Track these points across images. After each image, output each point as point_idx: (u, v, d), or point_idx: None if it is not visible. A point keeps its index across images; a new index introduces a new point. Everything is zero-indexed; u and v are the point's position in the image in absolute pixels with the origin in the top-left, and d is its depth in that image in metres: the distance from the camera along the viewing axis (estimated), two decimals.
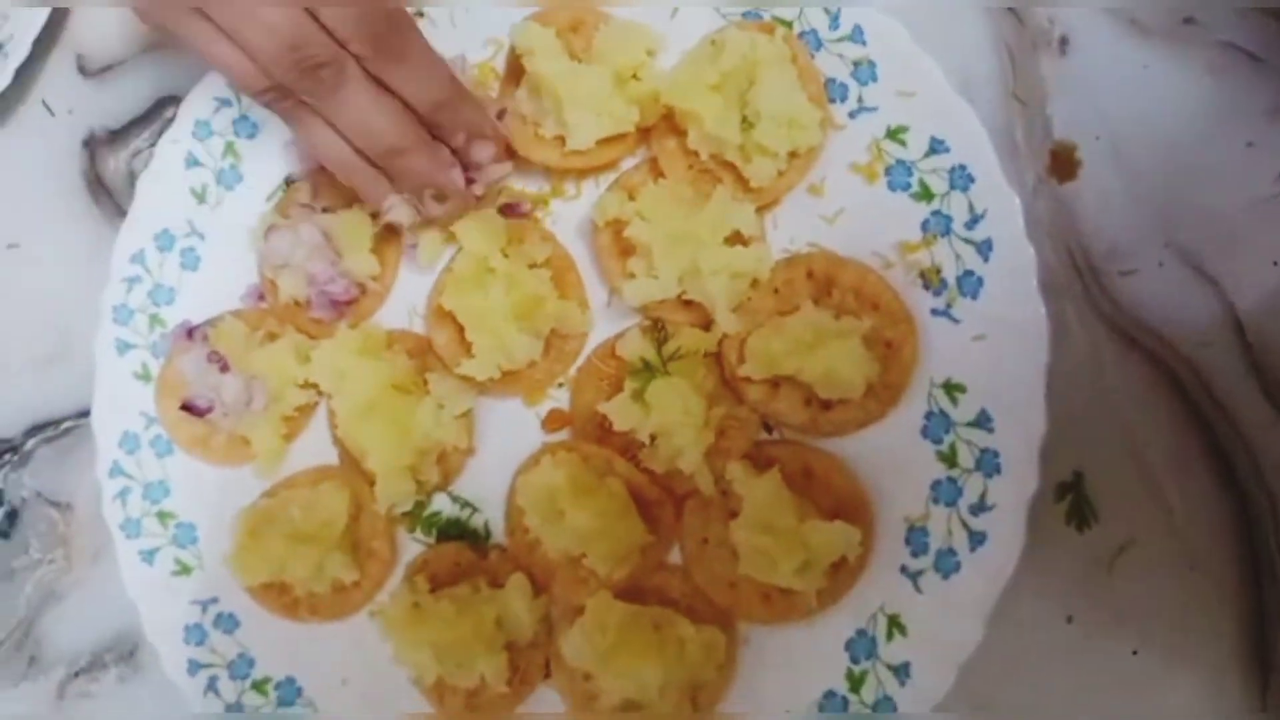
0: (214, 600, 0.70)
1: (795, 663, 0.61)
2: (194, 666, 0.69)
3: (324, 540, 0.66)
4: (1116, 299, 0.62)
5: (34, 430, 0.80)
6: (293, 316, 0.71)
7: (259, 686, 0.69)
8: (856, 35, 0.62)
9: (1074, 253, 0.63)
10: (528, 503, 0.64)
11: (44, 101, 0.84)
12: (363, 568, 0.68)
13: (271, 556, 0.66)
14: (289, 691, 0.69)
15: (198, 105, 0.74)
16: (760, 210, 0.64)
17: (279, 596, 0.69)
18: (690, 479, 0.62)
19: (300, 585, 0.67)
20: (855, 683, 0.59)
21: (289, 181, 0.73)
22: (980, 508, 0.58)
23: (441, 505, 0.69)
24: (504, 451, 0.68)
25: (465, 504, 0.69)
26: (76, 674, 0.76)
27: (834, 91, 0.63)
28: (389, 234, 0.70)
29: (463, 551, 0.67)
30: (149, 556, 0.71)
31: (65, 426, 0.79)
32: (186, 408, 0.70)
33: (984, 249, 0.59)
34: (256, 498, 0.70)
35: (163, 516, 0.72)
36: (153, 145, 0.76)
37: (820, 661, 0.60)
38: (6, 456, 0.80)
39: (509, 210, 0.68)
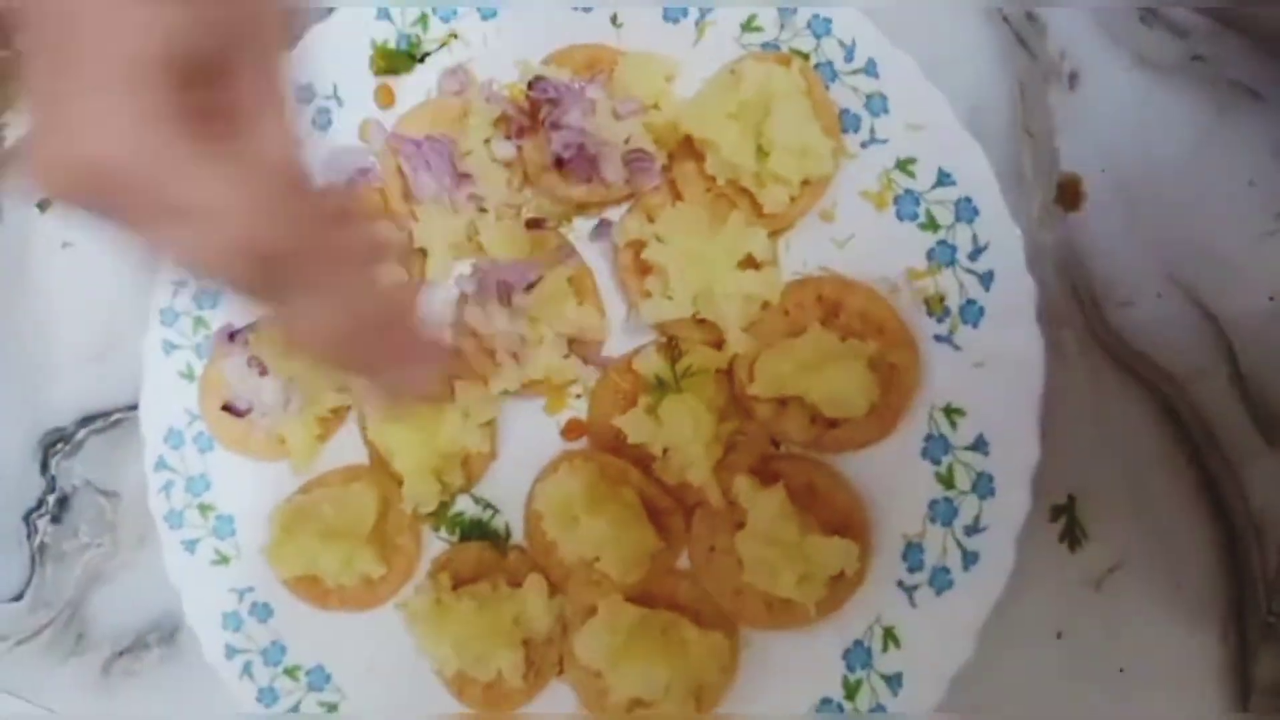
0: (250, 589, 0.74)
1: (794, 668, 0.63)
2: (230, 651, 0.73)
3: (353, 536, 0.69)
4: (1115, 328, 0.63)
5: (85, 421, 0.84)
6: None
7: (290, 672, 0.72)
8: (870, 69, 0.64)
9: (1075, 282, 0.64)
10: (545, 508, 0.66)
11: None
12: (389, 563, 0.71)
13: (305, 551, 0.69)
14: (318, 677, 0.72)
15: None
16: (773, 233, 0.66)
17: (311, 588, 0.72)
18: (699, 491, 0.64)
19: (330, 578, 0.70)
20: (851, 690, 0.62)
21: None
22: (974, 529, 0.60)
23: (464, 506, 0.72)
24: (524, 457, 0.70)
25: (487, 505, 0.72)
26: (121, 653, 0.80)
27: (847, 122, 0.65)
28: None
29: (484, 551, 0.70)
30: (190, 546, 0.75)
31: (115, 418, 0.83)
32: (227, 409, 0.73)
33: (986, 280, 0.61)
34: (291, 494, 0.73)
35: (203, 509, 0.75)
36: None
37: (818, 668, 0.62)
38: (59, 445, 0.84)
39: (534, 225, 0.71)
